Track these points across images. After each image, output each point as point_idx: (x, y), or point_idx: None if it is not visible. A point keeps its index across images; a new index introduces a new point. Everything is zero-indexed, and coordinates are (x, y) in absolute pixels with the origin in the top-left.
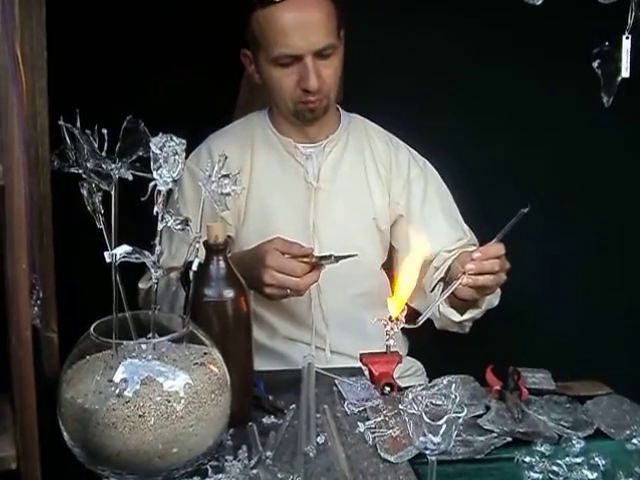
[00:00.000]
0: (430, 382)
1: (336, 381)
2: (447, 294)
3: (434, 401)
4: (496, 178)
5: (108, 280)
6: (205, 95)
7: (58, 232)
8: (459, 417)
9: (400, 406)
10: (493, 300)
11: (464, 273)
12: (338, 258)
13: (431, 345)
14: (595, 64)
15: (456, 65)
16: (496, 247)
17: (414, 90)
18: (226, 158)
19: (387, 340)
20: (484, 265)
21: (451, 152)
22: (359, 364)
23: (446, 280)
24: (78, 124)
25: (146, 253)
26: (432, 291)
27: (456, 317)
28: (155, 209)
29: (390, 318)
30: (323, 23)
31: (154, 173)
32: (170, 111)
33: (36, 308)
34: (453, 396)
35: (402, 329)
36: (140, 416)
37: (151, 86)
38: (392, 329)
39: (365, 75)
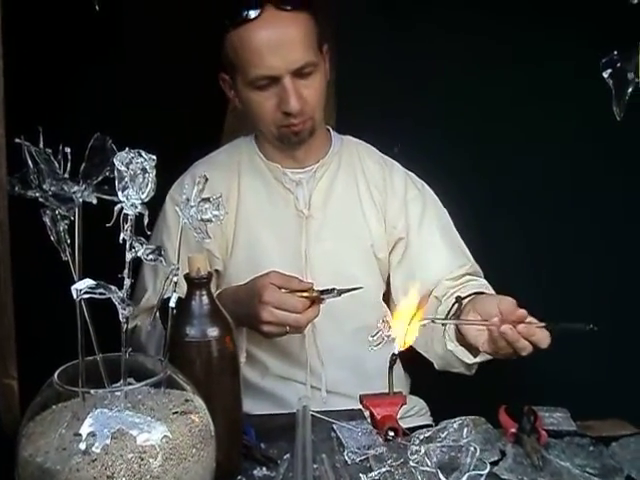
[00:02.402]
0: (435, 422)
1: (334, 426)
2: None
3: (445, 449)
4: (495, 201)
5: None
6: (191, 120)
7: (20, 264)
8: (481, 475)
9: (411, 462)
10: None
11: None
12: (341, 292)
13: (434, 382)
14: (605, 74)
15: (452, 83)
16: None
17: (411, 111)
18: (207, 180)
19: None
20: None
21: (449, 173)
22: (359, 405)
23: (458, 315)
24: (41, 144)
25: (112, 288)
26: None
27: (469, 359)
28: (122, 236)
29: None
30: (300, 40)
31: (120, 194)
32: (151, 137)
33: None
34: (472, 449)
35: (403, 367)
36: (109, 477)
37: (131, 109)
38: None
39: (361, 96)
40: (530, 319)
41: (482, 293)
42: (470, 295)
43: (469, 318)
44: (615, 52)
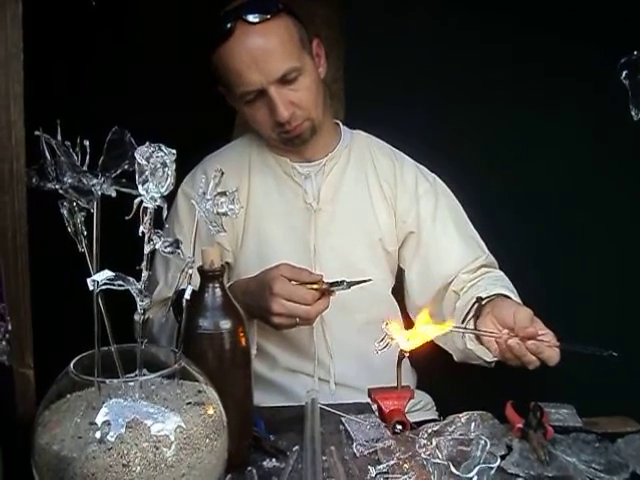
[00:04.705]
0: (441, 417)
1: (343, 419)
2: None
3: (454, 443)
4: (506, 193)
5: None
6: (202, 115)
7: (37, 256)
8: (492, 468)
9: (422, 455)
10: None
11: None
12: (350, 284)
13: (440, 378)
14: (622, 75)
15: (464, 81)
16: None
17: (421, 106)
18: (222, 174)
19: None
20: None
21: (462, 168)
22: (367, 398)
23: (478, 315)
24: (59, 136)
25: (131, 279)
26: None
27: (489, 357)
28: (141, 229)
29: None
30: (277, 49)
31: (140, 188)
32: (165, 132)
33: (4, 342)
34: (482, 442)
35: (410, 363)
36: (124, 465)
37: (143, 104)
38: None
39: (371, 92)
40: (542, 335)
41: (504, 295)
42: (491, 296)
43: (486, 320)
44: (635, 52)
